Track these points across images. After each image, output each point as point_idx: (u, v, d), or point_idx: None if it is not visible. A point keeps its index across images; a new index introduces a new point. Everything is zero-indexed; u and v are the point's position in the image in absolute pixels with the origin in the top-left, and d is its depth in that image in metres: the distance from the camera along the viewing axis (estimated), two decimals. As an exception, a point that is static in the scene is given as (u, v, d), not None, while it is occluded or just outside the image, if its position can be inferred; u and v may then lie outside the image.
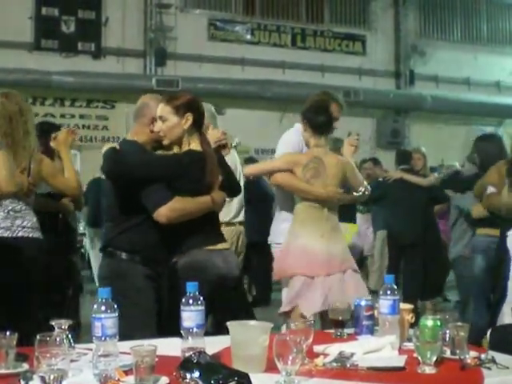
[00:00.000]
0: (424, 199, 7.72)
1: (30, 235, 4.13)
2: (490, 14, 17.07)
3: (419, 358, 2.43)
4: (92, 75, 13.12)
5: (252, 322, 2.55)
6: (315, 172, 4.67)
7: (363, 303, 2.91)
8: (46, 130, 5.16)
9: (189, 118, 3.72)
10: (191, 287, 2.45)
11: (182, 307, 2.43)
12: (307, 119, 4.75)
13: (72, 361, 2.30)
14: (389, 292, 2.75)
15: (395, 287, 2.77)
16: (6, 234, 4.06)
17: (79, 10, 13.58)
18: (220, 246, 3.82)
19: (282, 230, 4.75)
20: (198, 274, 3.44)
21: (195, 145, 3.76)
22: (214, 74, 13.75)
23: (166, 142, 3.79)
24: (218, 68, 13.92)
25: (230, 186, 3.98)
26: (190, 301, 2.43)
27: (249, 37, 14.80)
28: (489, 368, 2.44)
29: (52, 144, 4.73)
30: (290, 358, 2.19)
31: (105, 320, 2.26)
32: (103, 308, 2.27)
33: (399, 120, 15.55)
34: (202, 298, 2.45)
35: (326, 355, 2.54)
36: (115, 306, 2.29)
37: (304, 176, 4.64)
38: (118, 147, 3.79)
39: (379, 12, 15.94)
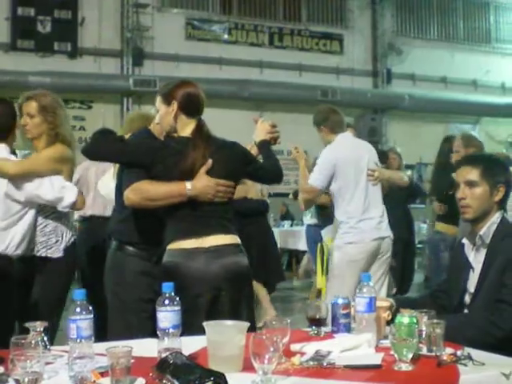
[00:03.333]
0: (404, 196, 7.82)
1: None
2: (467, 12, 17.17)
3: (395, 355, 2.43)
4: (69, 75, 13.04)
5: (228, 322, 2.54)
6: None
7: (340, 301, 2.91)
8: None
9: (174, 104, 3.59)
10: (167, 287, 2.44)
11: (157, 308, 2.42)
12: None
13: (47, 363, 2.29)
14: (365, 290, 2.76)
15: (371, 285, 2.78)
16: None
17: (55, 10, 13.50)
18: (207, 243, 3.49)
19: None
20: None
21: (186, 131, 3.61)
22: (192, 74, 13.67)
23: (164, 132, 3.73)
24: (196, 67, 13.90)
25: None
26: (166, 301, 2.41)
27: (226, 36, 14.80)
28: (465, 364, 2.45)
29: None
30: (267, 356, 2.18)
31: (80, 322, 2.24)
32: (78, 310, 2.25)
33: (377, 118, 15.59)
34: (177, 299, 2.44)
35: (302, 354, 2.54)
36: (90, 308, 2.28)
37: None
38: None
39: (356, 11, 15.99)
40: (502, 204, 3.33)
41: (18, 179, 3.99)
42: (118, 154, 3.66)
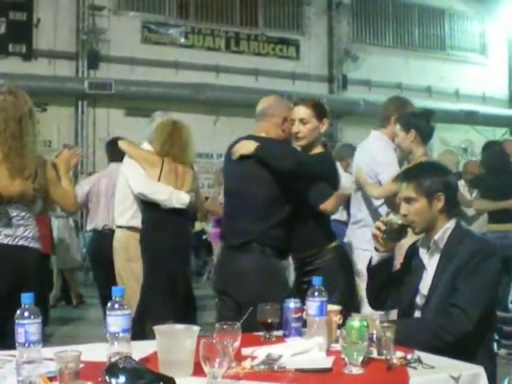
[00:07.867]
0: None
1: (31, 245, 3.97)
2: (422, 19, 17.36)
3: (346, 358, 2.45)
4: (23, 77, 12.81)
5: (178, 326, 2.53)
6: None
7: (291, 305, 2.91)
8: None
9: (325, 123, 4.11)
10: (117, 291, 2.41)
11: (107, 312, 2.39)
12: (419, 128, 4.69)
13: (-5, 368, 2.26)
14: (316, 294, 2.77)
15: (322, 289, 2.78)
16: (5, 241, 3.89)
17: (10, 12, 13.33)
18: None
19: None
20: None
21: (320, 148, 4.13)
22: (148, 77, 13.67)
23: (302, 142, 4.08)
24: (152, 71, 13.84)
25: None
26: (116, 305, 2.38)
27: (183, 40, 14.75)
28: (414, 368, 2.48)
29: (54, 160, 4.40)
30: (217, 361, 2.18)
31: (28, 326, 2.20)
32: (26, 314, 2.22)
33: (332, 124, 15.65)
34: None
35: (253, 358, 2.54)
36: (38, 312, 2.25)
37: None
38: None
39: (313, 17, 16.07)
40: (450, 210, 3.34)
41: None
42: (315, 168, 4.00)
